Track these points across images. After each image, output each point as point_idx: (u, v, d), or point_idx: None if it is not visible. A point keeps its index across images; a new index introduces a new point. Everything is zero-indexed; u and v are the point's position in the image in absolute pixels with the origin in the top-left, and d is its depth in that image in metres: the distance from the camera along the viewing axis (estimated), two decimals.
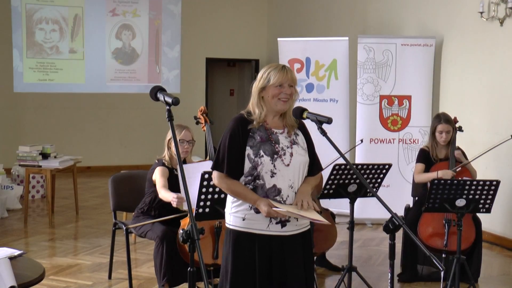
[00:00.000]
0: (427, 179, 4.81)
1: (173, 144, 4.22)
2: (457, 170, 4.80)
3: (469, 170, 4.91)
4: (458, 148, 5.00)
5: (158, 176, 4.38)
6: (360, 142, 5.93)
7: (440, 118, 4.95)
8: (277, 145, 2.94)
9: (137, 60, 10.91)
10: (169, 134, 4.41)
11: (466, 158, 4.98)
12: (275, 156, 2.92)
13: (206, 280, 2.34)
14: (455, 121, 5.05)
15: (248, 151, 2.92)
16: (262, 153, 2.90)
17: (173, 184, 4.34)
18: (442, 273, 4.32)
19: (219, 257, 4.02)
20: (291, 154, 2.95)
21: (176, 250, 4.16)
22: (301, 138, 3.04)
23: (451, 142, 4.93)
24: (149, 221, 4.37)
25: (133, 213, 4.62)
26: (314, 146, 3.09)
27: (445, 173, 4.77)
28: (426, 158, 4.97)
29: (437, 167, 4.88)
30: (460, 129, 5.05)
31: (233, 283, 2.94)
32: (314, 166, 3.08)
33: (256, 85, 2.98)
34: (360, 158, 6.95)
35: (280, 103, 2.94)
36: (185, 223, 4.17)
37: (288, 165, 2.93)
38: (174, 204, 4.13)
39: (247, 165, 2.92)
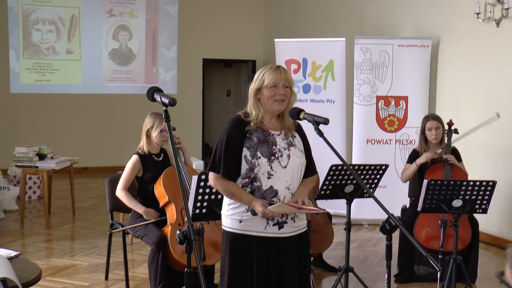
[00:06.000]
0: (411, 172, 4.95)
1: (153, 133, 4.50)
2: (439, 152, 4.88)
3: (464, 171, 4.91)
4: (454, 149, 5.01)
5: (126, 170, 4.50)
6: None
7: (428, 117, 5.09)
8: (274, 147, 2.94)
9: (134, 60, 10.90)
10: (148, 123, 4.52)
11: (460, 159, 4.99)
12: (272, 157, 2.91)
13: (203, 278, 2.34)
14: (451, 123, 5.07)
15: (245, 152, 2.91)
16: (259, 154, 2.90)
17: (152, 169, 4.47)
18: (439, 274, 4.32)
19: (206, 258, 4.06)
20: (289, 156, 2.95)
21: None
22: (298, 140, 3.04)
23: (443, 141, 4.99)
24: (144, 222, 4.36)
25: (130, 214, 4.61)
26: (310, 148, 3.09)
27: (427, 155, 4.87)
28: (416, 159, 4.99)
29: (432, 170, 4.88)
30: (456, 131, 5.07)
31: (230, 285, 2.94)
32: (310, 168, 3.07)
33: (252, 87, 2.97)
34: (357, 158, 6.95)
35: (275, 104, 2.93)
36: (167, 230, 4.20)
37: (285, 166, 2.93)
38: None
39: (244, 167, 2.91)
